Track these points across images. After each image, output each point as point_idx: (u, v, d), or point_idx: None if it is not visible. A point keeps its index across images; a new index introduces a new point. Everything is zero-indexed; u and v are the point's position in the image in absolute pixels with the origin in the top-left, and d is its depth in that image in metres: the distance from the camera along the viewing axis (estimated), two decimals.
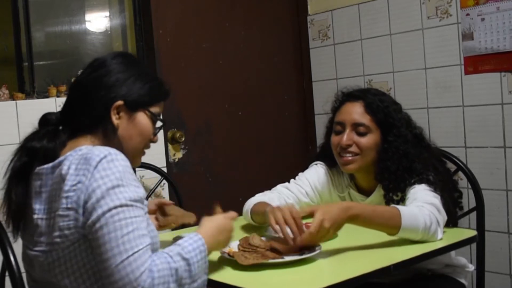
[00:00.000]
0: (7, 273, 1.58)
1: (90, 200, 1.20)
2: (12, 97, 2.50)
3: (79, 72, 1.45)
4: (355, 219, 1.58)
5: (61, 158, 1.28)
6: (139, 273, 1.18)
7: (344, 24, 3.20)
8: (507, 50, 2.53)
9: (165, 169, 2.80)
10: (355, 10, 3.13)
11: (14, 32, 2.67)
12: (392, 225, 1.61)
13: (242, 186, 2.95)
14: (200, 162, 3.00)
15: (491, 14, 2.57)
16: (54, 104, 2.56)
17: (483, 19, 2.60)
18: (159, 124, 1.45)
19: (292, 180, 2.09)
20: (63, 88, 2.61)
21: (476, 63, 2.65)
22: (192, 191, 2.88)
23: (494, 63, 2.59)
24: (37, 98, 2.59)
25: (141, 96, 1.39)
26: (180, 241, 1.31)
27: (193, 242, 1.31)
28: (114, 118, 1.36)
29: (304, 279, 1.44)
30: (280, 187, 2.07)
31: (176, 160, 2.93)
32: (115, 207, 1.20)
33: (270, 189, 2.08)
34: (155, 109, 1.43)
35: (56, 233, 1.23)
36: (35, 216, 1.28)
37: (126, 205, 1.22)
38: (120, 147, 1.35)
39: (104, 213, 1.19)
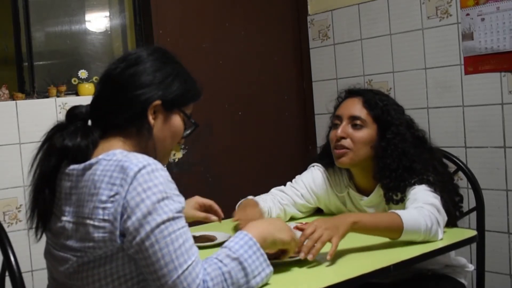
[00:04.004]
0: (7, 273, 1.58)
1: (134, 215, 1.15)
2: (12, 97, 2.51)
3: (109, 66, 1.36)
4: (355, 226, 1.56)
5: (92, 160, 1.22)
6: (195, 286, 1.16)
7: (344, 24, 3.20)
8: (507, 50, 2.53)
9: None
10: (355, 10, 3.13)
11: (14, 32, 2.67)
12: (394, 229, 1.61)
13: (242, 186, 2.95)
14: (200, 162, 3.00)
15: (491, 14, 2.57)
16: (54, 104, 2.56)
17: (483, 19, 2.60)
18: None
19: (288, 183, 2.10)
20: (63, 88, 2.62)
21: (476, 63, 2.65)
22: (192, 191, 2.86)
23: (494, 63, 2.59)
24: (37, 98, 2.59)
25: (178, 96, 1.33)
26: (226, 243, 1.27)
27: (238, 240, 1.27)
28: (151, 118, 1.30)
29: (304, 279, 1.44)
30: (274, 190, 2.07)
31: (176, 160, 2.93)
32: (163, 222, 1.16)
33: (268, 189, 2.08)
34: (188, 110, 1.38)
35: (90, 244, 1.19)
36: (64, 218, 1.24)
37: (173, 218, 1.18)
38: (153, 148, 1.31)
39: (153, 230, 1.15)
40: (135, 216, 1.15)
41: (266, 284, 1.33)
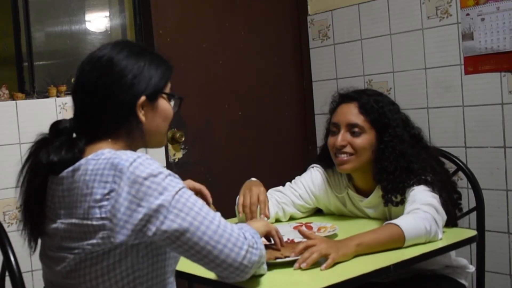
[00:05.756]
0: (7, 273, 1.58)
1: (147, 202, 1.17)
2: (12, 97, 2.50)
3: (79, 73, 1.34)
4: (360, 248, 1.56)
5: (81, 161, 1.23)
6: (237, 230, 1.23)
7: (344, 24, 3.19)
8: (507, 50, 2.53)
9: None
10: (355, 10, 3.13)
11: (14, 32, 2.67)
12: (396, 240, 1.61)
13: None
14: (200, 162, 3.00)
15: (491, 14, 2.57)
16: (54, 104, 2.56)
17: (483, 19, 2.60)
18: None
19: (287, 183, 2.10)
20: (63, 88, 2.61)
21: (476, 63, 2.65)
22: None
23: (494, 63, 2.59)
24: (37, 98, 2.59)
25: (157, 83, 1.34)
26: None
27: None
28: (141, 115, 1.31)
29: (304, 279, 1.44)
30: (271, 190, 2.07)
31: (176, 160, 2.93)
32: (176, 192, 1.20)
33: (268, 189, 2.08)
34: (168, 89, 1.39)
35: (88, 242, 1.19)
36: (59, 221, 1.24)
37: (183, 187, 1.22)
38: (143, 140, 1.34)
39: (170, 202, 1.18)
40: (148, 202, 1.17)
41: (266, 283, 1.33)
